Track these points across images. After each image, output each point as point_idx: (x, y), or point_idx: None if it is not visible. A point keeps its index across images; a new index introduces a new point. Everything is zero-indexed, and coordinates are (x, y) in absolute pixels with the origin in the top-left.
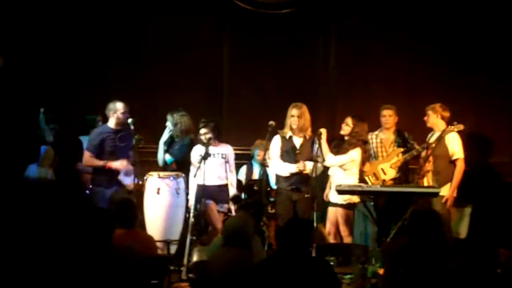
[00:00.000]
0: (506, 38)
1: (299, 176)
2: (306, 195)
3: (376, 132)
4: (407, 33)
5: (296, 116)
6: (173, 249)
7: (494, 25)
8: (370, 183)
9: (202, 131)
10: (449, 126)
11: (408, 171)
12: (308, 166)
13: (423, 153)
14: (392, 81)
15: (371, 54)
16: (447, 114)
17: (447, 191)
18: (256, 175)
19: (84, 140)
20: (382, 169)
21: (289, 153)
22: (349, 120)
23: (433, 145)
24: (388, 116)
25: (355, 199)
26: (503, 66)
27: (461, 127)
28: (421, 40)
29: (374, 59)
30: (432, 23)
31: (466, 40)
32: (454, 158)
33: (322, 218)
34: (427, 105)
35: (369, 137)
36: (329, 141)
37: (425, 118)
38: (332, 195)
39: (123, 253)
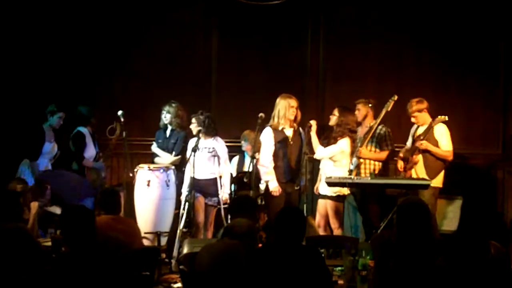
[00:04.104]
0: (495, 30)
1: (292, 168)
2: (296, 188)
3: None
4: (397, 25)
5: (295, 108)
6: (163, 241)
7: (483, 18)
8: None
9: (192, 121)
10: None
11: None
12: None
13: (409, 145)
14: (382, 73)
15: (360, 46)
16: (423, 106)
17: (437, 183)
18: (247, 167)
19: (85, 132)
20: None
21: (283, 145)
22: (335, 111)
23: (421, 137)
24: (357, 111)
25: (345, 191)
26: (491, 59)
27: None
28: (411, 32)
29: (363, 51)
30: (423, 15)
31: (456, 33)
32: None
33: (312, 211)
34: (416, 97)
35: None
36: (318, 134)
37: (412, 120)
38: (322, 187)
39: (113, 245)
